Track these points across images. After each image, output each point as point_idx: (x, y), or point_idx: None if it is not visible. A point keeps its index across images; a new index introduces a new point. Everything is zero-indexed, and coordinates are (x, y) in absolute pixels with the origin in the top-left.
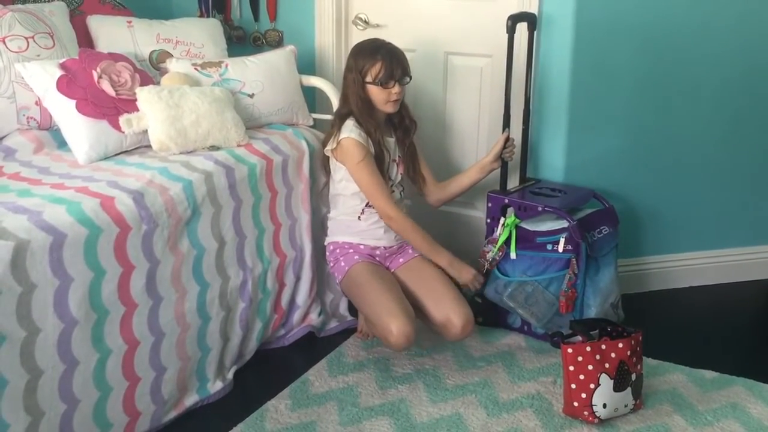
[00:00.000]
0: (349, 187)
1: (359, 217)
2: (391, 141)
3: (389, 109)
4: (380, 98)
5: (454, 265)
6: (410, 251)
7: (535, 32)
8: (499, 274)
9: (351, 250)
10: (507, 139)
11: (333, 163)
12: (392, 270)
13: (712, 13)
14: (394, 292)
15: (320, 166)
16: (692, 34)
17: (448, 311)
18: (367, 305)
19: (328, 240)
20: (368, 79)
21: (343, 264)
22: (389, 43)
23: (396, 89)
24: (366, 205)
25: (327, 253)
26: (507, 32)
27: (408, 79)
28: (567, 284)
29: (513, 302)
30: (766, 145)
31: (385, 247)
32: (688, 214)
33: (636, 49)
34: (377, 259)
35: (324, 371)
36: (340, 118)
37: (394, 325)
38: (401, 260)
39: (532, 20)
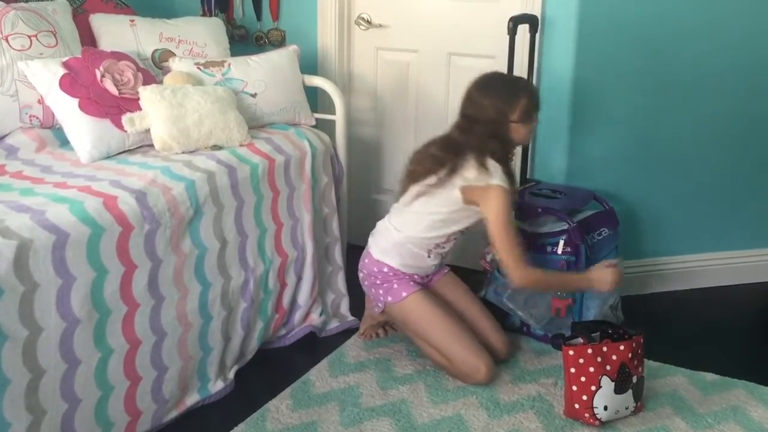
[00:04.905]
0: (437, 224)
1: (429, 254)
2: None
3: (527, 142)
4: (522, 133)
5: (595, 279)
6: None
7: (537, 34)
8: (498, 275)
9: (406, 277)
10: None
11: (452, 194)
12: (430, 287)
13: (715, 15)
14: (464, 327)
15: (322, 166)
16: (695, 36)
17: (488, 335)
18: (440, 339)
19: (383, 258)
20: (513, 117)
21: (396, 287)
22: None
23: (536, 120)
24: (440, 242)
25: (374, 269)
26: (508, 34)
27: None
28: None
29: (512, 304)
30: None
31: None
32: (688, 216)
33: (638, 51)
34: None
35: (325, 371)
36: (491, 154)
37: (484, 366)
38: (435, 277)
39: (533, 22)
